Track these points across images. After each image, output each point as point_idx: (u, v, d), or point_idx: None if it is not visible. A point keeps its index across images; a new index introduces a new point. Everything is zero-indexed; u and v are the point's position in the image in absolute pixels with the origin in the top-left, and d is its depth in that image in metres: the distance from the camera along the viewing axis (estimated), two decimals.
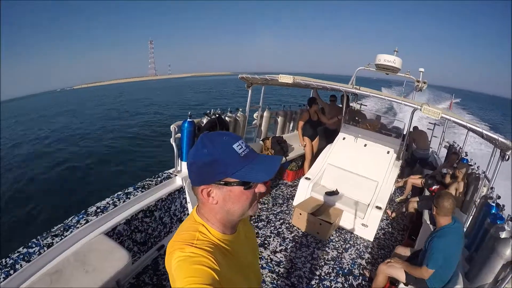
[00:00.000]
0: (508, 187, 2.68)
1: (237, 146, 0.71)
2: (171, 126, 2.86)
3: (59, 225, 1.96)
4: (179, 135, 2.92)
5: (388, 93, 3.60)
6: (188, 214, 2.94)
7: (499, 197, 2.40)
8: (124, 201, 2.31)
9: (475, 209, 2.86)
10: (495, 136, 2.37)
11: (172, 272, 0.67)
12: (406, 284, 2.36)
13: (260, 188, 0.74)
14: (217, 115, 3.17)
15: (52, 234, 1.87)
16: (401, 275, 2.42)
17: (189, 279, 0.62)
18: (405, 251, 2.77)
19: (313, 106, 4.55)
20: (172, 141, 2.90)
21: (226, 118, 3.40)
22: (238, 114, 3.72)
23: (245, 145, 0.73)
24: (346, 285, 2.72)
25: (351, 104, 6.34)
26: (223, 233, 0.78)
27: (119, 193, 2.41)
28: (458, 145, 5.03)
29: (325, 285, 2.63)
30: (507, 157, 2.40)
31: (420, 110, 2.74)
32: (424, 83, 5.36)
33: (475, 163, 3.60)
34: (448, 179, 3.75)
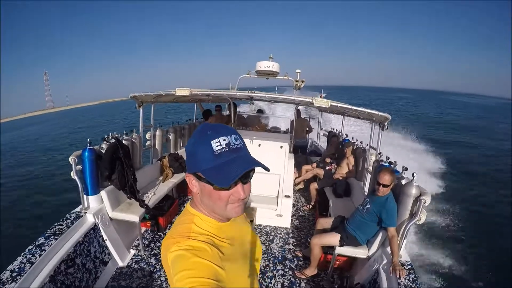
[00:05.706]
0: (391, 149, 3.37)
1: (215, 143, 0.66)
2: (70, 158, 2.53)
3: None
4: (80, 166, 2.62)
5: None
6: (109, 253, 2.73)
7: (388, 158, 2.99)
8: (40, 255, 2.00)
9: (369, 174, 3.49)
10: (374, 112, 2.96)
11: (170, 267, 0.63)
12: (340, 246, 2.59)
13: (236, 193, 0.68)
14: (115, 139, 3.00)
15: None
16: (334, 240, 2.61)
17: (186, 272, 0.59)
18: (327, 222, 2.97)
19: (210, 118, 4.60)
20: (73, 174, 2.56)
21: (123, 141, 3.20)
22: (133, 136, 3.59)
23: (227, 142, 0.67)
24: (286, 270, 2.89)
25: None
26: (219, 221, 0.75)
27: (30, 247, 2.07)
28: (336, 130, 6.11)
29: (269, 277, 2.78)
30: (386, 127, 3.05)
31: (312, 102, 3.11)
32: (302, 81, 6.22)
33: (357, 140, 4.43)
34: (341, 155, 4.43)
